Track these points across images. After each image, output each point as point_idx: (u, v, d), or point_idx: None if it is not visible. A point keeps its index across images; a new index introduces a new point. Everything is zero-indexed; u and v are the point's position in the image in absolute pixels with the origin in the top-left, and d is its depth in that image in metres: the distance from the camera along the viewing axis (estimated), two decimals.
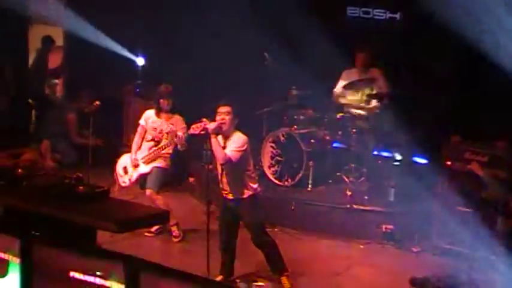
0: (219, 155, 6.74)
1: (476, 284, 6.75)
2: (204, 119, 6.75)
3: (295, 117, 9.72)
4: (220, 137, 6.84)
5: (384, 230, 8.53)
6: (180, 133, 7.87)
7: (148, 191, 8.18)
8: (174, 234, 8.35)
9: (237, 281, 7.10)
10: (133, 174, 8.30)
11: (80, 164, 8.47)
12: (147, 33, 11.29)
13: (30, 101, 11.58)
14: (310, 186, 9.32)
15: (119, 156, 8.62)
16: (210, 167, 7.16)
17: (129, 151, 8.45)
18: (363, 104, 9.58)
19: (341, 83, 9.79)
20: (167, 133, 8.17)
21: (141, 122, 8.39)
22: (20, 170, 6.06)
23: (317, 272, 7.64)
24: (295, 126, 9.56)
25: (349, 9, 10.75)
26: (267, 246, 7.02)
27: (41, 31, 12.29)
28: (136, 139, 8.36)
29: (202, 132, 6.74)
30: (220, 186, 6.99)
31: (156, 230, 8.42)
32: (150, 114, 8.36)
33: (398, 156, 9.43)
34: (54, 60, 12.39)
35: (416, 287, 6.99)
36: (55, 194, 5.61)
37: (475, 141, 8.15)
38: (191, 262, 7.42)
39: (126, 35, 11.22)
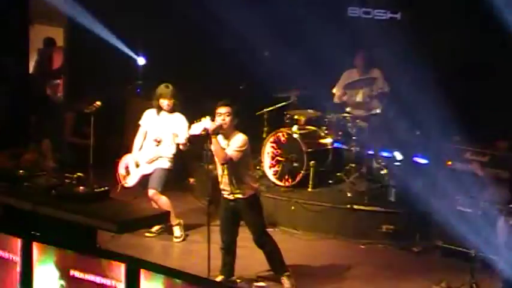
0: (219, 155, 6.76)
1: None
2: (204, 118, 6.75)
3: (296, 117, 9.71)
4: (220, 137, 6.85)
5: (384, 230, 8.54)
6: (181, 133, 7.88)
7: (151, 192, 8.19)
8: (176, 234, 8.35)
9: (238, 281, 7.10)
10: (136, 174, 8.31)
11: (81, 164, 8.46)
12: (148, 33, 11.28)
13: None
14: (310, 186, 9.32)
15: (120, 156, 8.62)
16: (210, 167, 7.17)
17: (130, 151, 8.45)
18: (363, 104, 9.58)
19: (341, 83, 9.80)
20: (168, 133, 8.17)
21: (142, 122, 8.39)
22: (20, 171, 6.06)
23: (318, 272, 7.64)
24: (296, 127, 9.56)
25: (350, 9, 10.74)
26: (268, 246, 7.03)
27: (41, 31, 12.28)
28: (138, 139, 8.36)
29: (202, 133, 6.75)
30: (221, 186, 7.00)
31: (157, 230, 8.42)
32: (150, 114, 8.37)
33: (398, 157, 9.43)
34: (55, 61, 12.38)
35: None
36: (56, 194, 5.61)
37: (476, 142, 8.16)
38: (192, 262, 7.43)
39: (126, 35, 11.22)
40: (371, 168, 9.43)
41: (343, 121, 9.58)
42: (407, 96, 9.91)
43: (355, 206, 8.78)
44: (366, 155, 9.36)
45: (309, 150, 9.32)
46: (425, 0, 10.28)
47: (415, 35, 10.09)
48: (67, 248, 4.90)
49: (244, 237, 7.16)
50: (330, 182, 9.53)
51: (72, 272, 4.85)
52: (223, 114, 6.80)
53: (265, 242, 7.02)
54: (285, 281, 7.04)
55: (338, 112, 9.67)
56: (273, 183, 9.47)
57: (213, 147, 6.79)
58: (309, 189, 9.32)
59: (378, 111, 9.69)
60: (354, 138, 9.43)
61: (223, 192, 7.01)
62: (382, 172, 9.38)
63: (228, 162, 6.77)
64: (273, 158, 9.52)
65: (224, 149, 6.80)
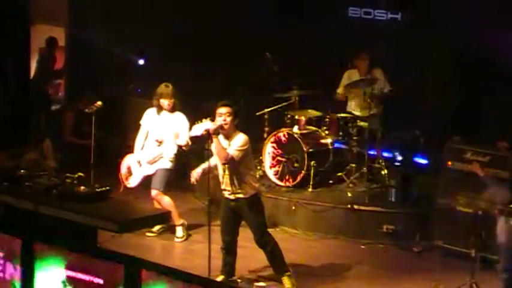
0: (221, 154, 6.77)
1: None
2: (205, 119, 6.76)
3: (297, 117, 9.72)
4: (221, 137, 6.86)
5: (384, 230, 8.55)
6: (182, 132, 7.89)
7: (153, 192, 8.21)
8: (178, 234, 8.36)
9: (239, 281, 7.11)
10: (138, 175, 8.32)
11: (82, 164, 8.46)
12: (149, 33, 11.29)
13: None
14: (311, 186, 9.33)
15: (121, 156, 8.63)
16: (211, 164, 7.14)
17: (131, 151, 8.46)
18: (364, 104, 9.58)
19: (343, 83, 9.81)
20: (169, 133, 8.18)
21: (143, 122, 8.40)
22: (21, 170, 6.07)
23: (318, 272, 7.65)
24: (297, 127, 9.56)
25: (350, 10, 10.75)
26: (269, 246, 7.03)
27: (42, 31, 12.29)
28: (139, 139, 8.37)
29: (203, 133, 6.76)
30: (222, 186, 7.00)
31: (158, 230, 8.43)
32: (151, 113, 8.37)
33: (399, 157, 9.44)
34: (57, 61, 12.39)
35: None
36: (57, 194, 5.63)
37: (476, 142, 8.17)
38: (192, 262, 7.44)
39: (127, 34, 11.23)
40: (371, 168, 9.43)
41: (343, 121, 9.58)
42: (408, 96, 9.94)
43: (356, 206, 8.79)
44: (366, 155, 9.36)
45: (310, 150, 9.32)
46: (426, 0, 10.29)
47: (415, 35, 10.10)
48: (68, 247, 4.91)
49: (245, 237, 7.17)
50: (331, 182, 9.54)
51: (73, 272, 4.86)
52: (223, 115, 6.80)
53: (266, 242, 7.02)
54: (286, 281, 7.05)
55: (339, 112, 9.68)
56: (274, 183, 9.47)
57: (214, 147, 6.80)
58: (310, 189, 9.33)
59: (379, 111, 9.69)
60: (354, 138, 9.43)
61: (224, 192, 7.02)
62: (382, 172, 9.39)
63: (230, 161, 6.79)
64: (273, 158, 9.52)
65: (225, 148, 6.81)
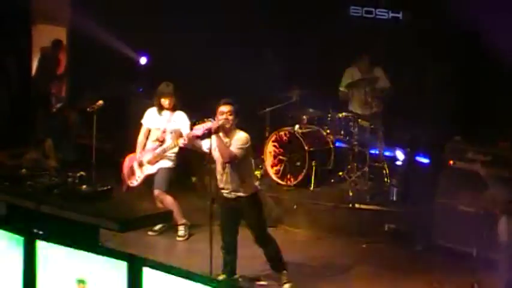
0: (224, 153, 6.75)
1: None
2: (207, 120, 6.75)
3: (298, 116, 9.73)
4: (221, 136, 6.84)
5: (386, 229, 8.55)
6: (184, 131, 7.90)
7: (156, 191, 8.21)
8: (179, 233, 8.36)
9: (240, 279, 7.11)
10: (141, 175, 8.33)
11: (83, 163, 8.47)
12: (149, 32, 11.29)
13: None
14: (312, 185, 9.34)
15: (122, 155, 8.63)
16: (213, 166, 7.16)
17: (133, 151, 8.47)
18: (365, 103, 9.59)
19: (344, 82, 9.81)
20: (171, 132, 8.19)
21: (144, 121, 8.40)
22: (23, 170, 6.08)
23: (319, 271, 7.65)
24: (298, 126, 9.57)
25: (352, 9, 10.76)
26: (269, 244, 7.03)
27: (44, 31, 12.30)
28: (140, 139, 8.37)
29: (205, 132, 6.75)
30: (222, 186, 6.98)
31: (159, 228, 8.44)
32: (152, 113, 8.37)
33: (400, 156, 9.45)
34: (62, 63, 12.40)
35: None
36: (58, 193, 5.63)
37: (478, 141, 8.16)
38: (193, 261, 7.43)
39: (128, 34, 11.23)
40: (373, 167, 9.44)
41: (345, 120, 9.59)
42: (409, 95, 9.94)
43: (357, 205, 8.80)
44: (367, 154, 9.37)
45: (311, 149, 9.33)
46: (427, 0, 10.29)
47: (416, 35, 10.10)
48: (70, 246, 4.91)
49: (246, 236, 7.17)
50: (332, 181, 9.55)
51: (75, 271, 4.87)
52: (225, 113, 6.79)
53: (266, 241, 7.02)
54: (285, 280, 7.05)
55: (340, 111, 9.68)
56: (275, 182, 9.48)
57: (216, 146, 6.76)
58: (311, 189, 9.34)
59: (380, 110, 9.69)
60: (355, 137, 9.44)
61: (222, 191, 6.99)
62: (383, 171, 9.39)
63: (233, 159, 6.77)
64: (275, 157, 9.53)
65: (228, 147, 6.80)
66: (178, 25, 11.01)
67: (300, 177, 9.34)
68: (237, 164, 6.84)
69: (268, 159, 9.55)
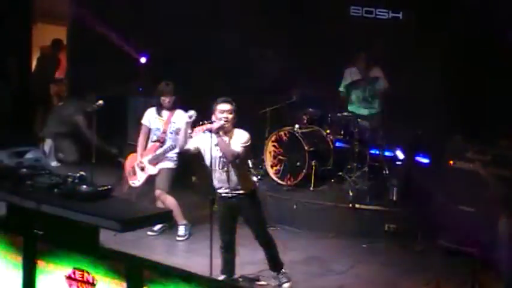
0: (228, 152, 6.70)
1: None
2: (207, 122, 6.71)
3: (298, 116, 9.73)
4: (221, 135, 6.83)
5: (386, 229, 8.55)
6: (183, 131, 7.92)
7: (157, 192, 8.22)
8: (180, 233, 8.36)
9: (240, 279, 7.11)
10: (142, 175, 8.33)
11: (84, 163, 8.47)
12: (150, 32, 11.30)
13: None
14: (312, 185, 9.34)
15: (123, 155, 8.64)
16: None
17: (134, 151, 8.47)
18: (365, 103, 9.59)
19: (344, 82, 9.81)
20: (171, 133, 8.19)
21: (144, 121, 8.40)
22: (23, 169, 6.07)
23: (319, 271, 7.65)
24: (298, 126, 9.57)
25: (352, 9, 10.76)
26: (271, 244, 7.03)
27: (45, 30, 12.31)
28: (141, 139, 8.37)
29: (205, 130, 6.73)
30: (218, 185, 6.91)
31: (159, 229, 8.44)
32: (152, 112, 8.37)
33: (400, 156, 9.44)
34: (62, 63, 12.42)
35: None
36: (58, 192, 5.63)
37: (478, 140, 8.16)
38: (193, 261, 7.43)
39: (128, 34, 11.24)
40: (373, 167, 9.44)
41: (344, 120, 9.59)
42: (409, 95, 9.93)
43: (357, 205, 8.80)
44: (367, 154, 9.37)
45: (311, 149, 9.33)
46: (427, 0, 10.30)
47: (416, 34, 10.10)
48: (70, 246, 4.92)
49: (246, 235, 7.16)
50: (332, 181, 9.54)
51: (74, 271, 4.87)
52: (225, 112, 6.75)
53: (268, 240, 7.02)
54: (283, 278, 7.05)
55: (340, 111, 9.69)
56: (275, 182, 9.48)
57: (219, 146, 6.71)
58: (311, 188, 9.34)
59: (380, 110, 9.69)
60: (355, 137, 9.43)
61: (219, 190, 6.94)
62: (383, 171, 9.39)
63: (237, 158, 6.73)
64: (275, 157, 9.53)
65: (229, 146, 6.79)
66: (178, 25, 11.01)
67: (299, 177, 9.34)
68: (239, 162, 6.82)
69: (268, 159, 9.55)
